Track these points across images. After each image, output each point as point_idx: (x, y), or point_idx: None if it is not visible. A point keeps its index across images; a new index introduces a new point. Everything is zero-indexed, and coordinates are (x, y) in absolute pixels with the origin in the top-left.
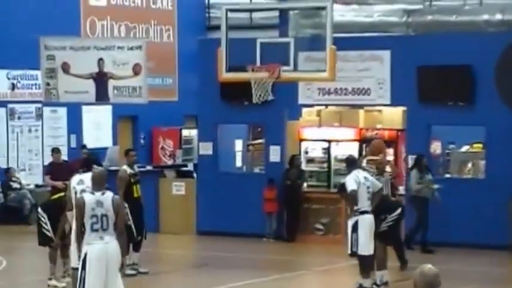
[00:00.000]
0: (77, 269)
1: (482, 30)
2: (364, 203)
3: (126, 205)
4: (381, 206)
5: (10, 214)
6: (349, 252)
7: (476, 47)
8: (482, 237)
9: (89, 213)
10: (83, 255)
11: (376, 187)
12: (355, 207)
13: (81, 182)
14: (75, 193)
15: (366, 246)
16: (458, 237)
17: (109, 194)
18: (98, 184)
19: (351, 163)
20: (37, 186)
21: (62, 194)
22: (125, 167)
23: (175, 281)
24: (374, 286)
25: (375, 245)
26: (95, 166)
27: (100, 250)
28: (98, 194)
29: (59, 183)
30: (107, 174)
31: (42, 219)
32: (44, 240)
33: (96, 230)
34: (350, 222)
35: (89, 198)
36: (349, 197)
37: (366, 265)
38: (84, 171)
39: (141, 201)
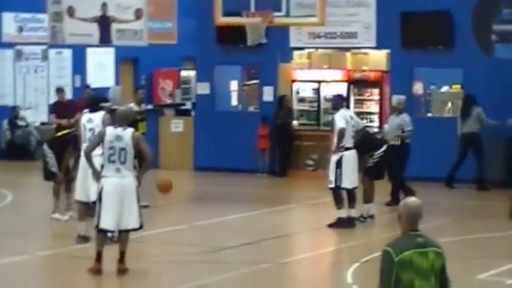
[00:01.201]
0: (80, 201)
1: None
2: (348, 140)
3: None
4: (368, 143)
5: (16, 150)
6: (332, 185)
7: None
8: (459, 172)
9: (108, 145)
10: (99, 189)
11: (359, 125)
12: (341, 144)
13: (90, 120)
14: (84, 130)
15: (350, 180)
16: (437, 172)
17: (129, 130)
18: (121, 121)
19: (339, 101)
20: (42, 123)
21: (67, 131)
22: (132, 104)
23: (174, 214)
24: (361, 219)
25: (363, 180)
26: (103, 104)
27: (115, 184)
28: (119, 129)
29: (64, 121)
30: (131, 113)
31: (48, 155)
32: (48, 175)
33: (113, 162)
34: (334, 158)
35: (110, 131)
36: (339, 134)
37: (339, 198)
38: (91, 111)
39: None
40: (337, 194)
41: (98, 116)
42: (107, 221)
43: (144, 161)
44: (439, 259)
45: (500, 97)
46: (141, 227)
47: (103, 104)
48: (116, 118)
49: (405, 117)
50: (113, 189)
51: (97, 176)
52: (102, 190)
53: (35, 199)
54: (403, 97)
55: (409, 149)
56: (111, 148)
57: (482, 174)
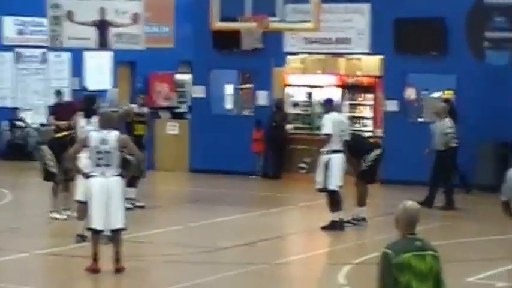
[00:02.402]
0: (80, 201)
1: None
2: (337, 144)
3: None
4: (361, 147)
5: (16, 151)
6: (320, 187)
7: (448, 1)
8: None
9: (94, 150)
10: (85, 190)
11: (348, 129)
12: (328, 147)
13: (89, 123)
14: (83, 132)
15: (337, 182)
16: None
17: (114, 133)
18: (104, 123)
19: (330, 105)
20: (41, 125)
21: (65, 133)
22: (134, 105)
23: (170, 215)
24: (352, 221)
25: (357, 183)
26: (100, 106)
27: (101, 184)
28: (104, 132)
29: (62, 123)
30: (115, 116)
31: (47, 155)
32: (48, 175)
33: (99, 165)
34: (323, 160)
35: (94, 135)
36: (324, 139)
37: (335, 200)
38: (86, 113)
39: (142, 140)
40: (333, 197)
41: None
42: (95, 220)
43: (132, 160)
44: (436, 262)
45: (492, 102)
46: (125, 228)
47: (93, 106)
48: (100, 121)
49: (446, 122)
50: (98, 190)
51: (85, 176)
52: (90, 191)
53: (34, 199)
54: (442, 103)
55: (455, 153)
56: (98, 152)
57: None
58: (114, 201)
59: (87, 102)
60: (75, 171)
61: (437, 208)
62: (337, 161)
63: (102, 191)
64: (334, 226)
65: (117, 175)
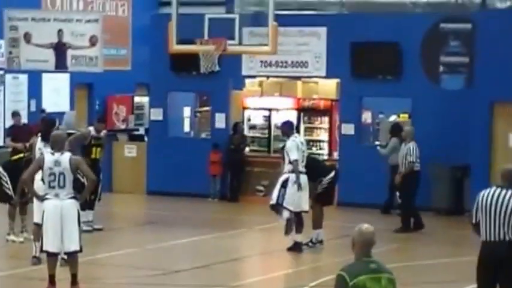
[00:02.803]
0: (37, 223)
1: (409, 10)
2: (299, 165)
3: None
4: (317, 170)
5: None
6: (273, 202)
7: (404, 26)
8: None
9: (47, 172)
10: (41, 212)
11: (306, 151)
12: (291, 168)
13: (47, 145)
14: (41, 155)
15: (298, 203)
16: (385, 199)
17: (67, 154)
18: (57, 145)
19: (289, 128)
20: None
21: (22, 155)
22: (91, 128)
23: (127, 237)
24: (309, 244)
25: (313, 205)
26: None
27: (55, 206)
28: (57, 154)
29: (19, 145)
30: (66, 137)
31: (3, 177)
32: (4, 197)
33: (53, 187)
34: (281, 178)
35: (48, 157)
36: (294, 165)
37: (289, 223)
38: (43, 135)
39: (99, 164)
40: (297, 219)
41: None
42: (49, 243)
43: (87, 182)
44: (391, 285)
45: (447, 126)
46: (80, 250)
47: (53, 129)
48: (52, 143)
49: (411, 146)
50: (52, 212)
51: (40, 199)
52: (44, 213)
53: None
54: (408, 127)
55: (418, 176)
56: (51, 174)
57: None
58: (69, 223)
59: (46, 125)
60: (31, 194)
61: (394, 231)
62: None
63: (56, 213)
64: (299, 247)
65: (72, 197)
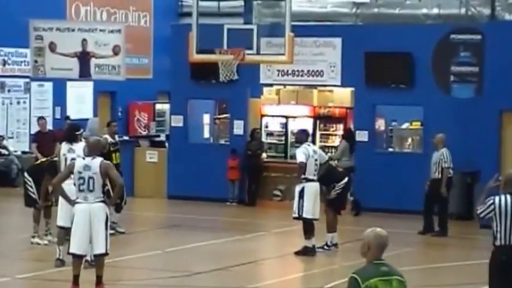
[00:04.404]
0: (61, 227)
1: (421, 22)
2: (311, 173)
3: None
4: (330, 176)
5: None
6: (295, 215)
7: (416, 37)
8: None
9: (77, 176)
10: (67, 216)
11: (323, 159)
12: (303, 176)
13: (71, 150)
14: (65, 160)
15: (311, 210)
16: (396, 204)
17: (98, 159)
18: (90, 150)
19: (303, 136)
20: (24, 152)
21: (45, 159)
22: (106, 136)
23: (148, 240)
24: (325, 247)
25: (326, 210)
26: (84, 135)
27: (84, 210)
28: (88, 159)
29: (39, 155)
30: (101, 143)
31: (28, 182)
32: (29, 201)
33: (82, 191)
34: (297, 189)
35: (78, 162)
36: (299, 167)
37: (309, 228)
38: (69, 140)
39: (119, 168)
40: (307, 225)
41: (79, 147)
42: (76, 245)
43: (115, 187)
44: (402, 287)
45: (458, 133)
46: (106, 253)
47: (77, 133)
48: (87, 149)
49: (444, 153)
50: (81, 215)
51: (71, 203)
52: (74, 216)
53: (16, 224)
54: (441, 134)
55: (451, 182)
56: (80, 178)
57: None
58: (97, 226)
59: (70, 129)
60: (64, 199)
61: (433, 234)
62: (310, 190)
63: (85, 217)
64: (307, 252)
65: (101, 201)
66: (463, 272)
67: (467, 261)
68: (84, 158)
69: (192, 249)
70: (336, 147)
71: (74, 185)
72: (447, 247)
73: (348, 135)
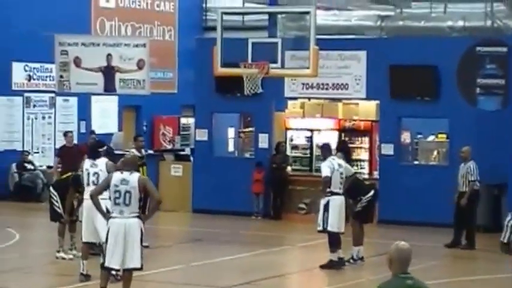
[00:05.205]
0: (86, 242)
1: (446, 34)
2: (336, 186)
3: None
4: (356, 188)
5: (24, 192)
6: (320, 228)
7: (441, 49)
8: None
9: (113, 189)
10: (106, 229)
11: (349, 172)
12: (328, 190)
13: (94, 165)
14: (88, 174)
15: (336, 224)
16: (422, 217)
17: (136, 174)
18: (128, 166)
19: (327, 150)
20: (49, 167)
21: (69, 174)
22: (133, 150)
23: (173, 254)
24: (351, 260)
25: (352, 223)
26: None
27: (119, 224)
28: (126, 173)
29: (54, 171)
30: (137, 158)
31: (53, 197)
32: (54, 216)
33: (118, 204)
34: (322, 202)
35: (116, 175)
36: (323, 182)
37: (334, 241)
38: (91, 157)
39: None
40: (333, 238)
41: (101, 162)
42: (112, 259)
43: (151, 202)
44: None
45: (484, 145)
46: (141, 268)
47: (101, 150)
48: (121, 163)
49: (471, 166)
50: (117, 229)
51: (106, 217)
52: (109, 230)
53: (41, 239)
54: (468, 147)
55: (478, 195)
56: (116, 191)
57: None
58: (132, 241)
59: (94, 146)
60: (99, 212)
61: (461, 247)
62: (335, 204)
63: (120, 231)
64: (332, 265)
65: (136, 216)
66: (490, 286)
67: (495, 275)
68: (122, 172)
69: (217, 263)
70: (360, 161)
71: (109, 198)
72: (474, 260)
73: (342, 147)
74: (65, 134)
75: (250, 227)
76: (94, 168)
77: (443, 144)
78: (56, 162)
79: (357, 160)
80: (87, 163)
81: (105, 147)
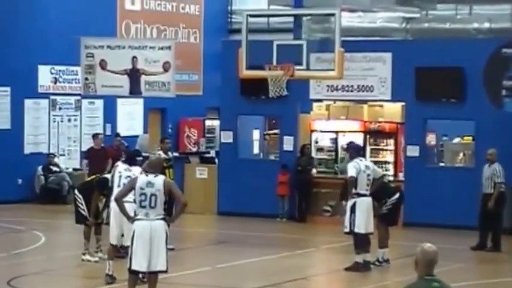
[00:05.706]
0: (113, 245)
1: (472, 36)
2: (362, 188)
3: None
4: (382, 191)
5: (50, 195)
6: (347, 230)
7: (467, 51)
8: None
9: (138, 192)
10: (131, 232)
11: (377, 174)
12: (354, 191)
13: (128, 169)
14: (120, 177)
15: (363, 225)
16: (448, 219)
17: (161, 177)
18: (154, 168)
19: (354, 151)
20: (75, 169)
21: (95, 176)
22: (160, 152)
23: (198, 257)
24: (376, 262)
25: (378, 226)
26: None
27: (145, 227)
28: (151, 176)
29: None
30: (162, 161)
31: (78, 199)
32: (80, 218)
33: (144, 207)
34: (349, 204)
35: (141, 178)
36: (348, 182)
37: (360, 243)
38: (129, 163)
39: None
40: (358, 239)
41: (136, 169)
42: (137, 262)
43: (178, 205)
44: None
45: (509, 147)
46: (166, 270)
47: (138, 159)
48: (146, 165)
49: (496, 168)
50: (142, 232)
51: (130, 219)
52: (134, 233)
53: (67, 241)
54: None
55: (504, 197)
56: (142, 194)
57: None
58: (157, 243)
59: (132, 155)
60: (124, 215)
61: (487, 250)
62: (363, 205)
63: (145, 234)
64: (357, 267)
65: (161, 218)
66: None
67: None
68: (147, 175)
69: (242, 265)
70: (385, 163)
71: (134, 201)
72: (500, 263)
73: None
74: (94, 136)
75: (275, 230)
76: (128, 172)
77: (469, 146)
78: (85, 164)
79: (382, 162)
80: (121, 166)
81: (141, 158)
